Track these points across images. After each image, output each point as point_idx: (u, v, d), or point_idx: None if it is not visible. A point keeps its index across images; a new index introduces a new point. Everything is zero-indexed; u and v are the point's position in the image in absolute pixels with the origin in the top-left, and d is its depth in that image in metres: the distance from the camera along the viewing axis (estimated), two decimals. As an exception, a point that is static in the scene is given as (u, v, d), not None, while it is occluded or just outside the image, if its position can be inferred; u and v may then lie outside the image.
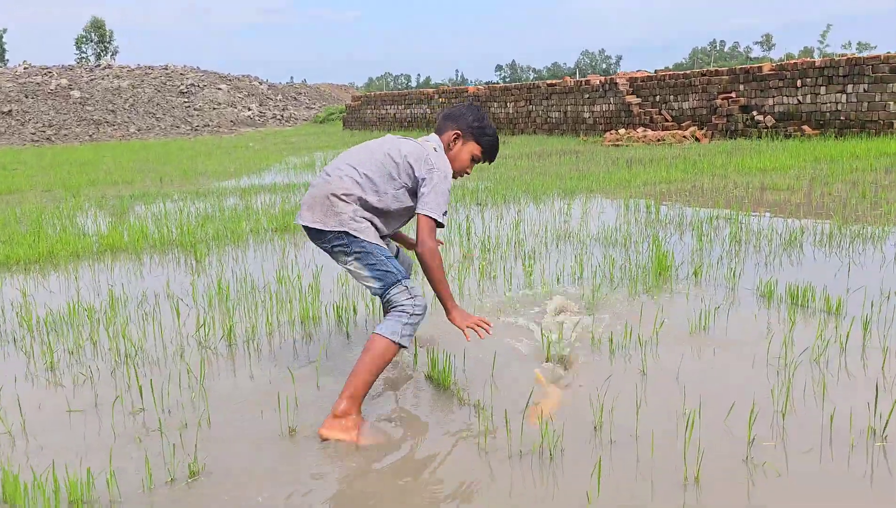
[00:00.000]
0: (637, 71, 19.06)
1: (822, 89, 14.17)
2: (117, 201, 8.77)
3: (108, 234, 6.22)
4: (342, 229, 2.54)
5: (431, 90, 24.50)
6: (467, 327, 2.56)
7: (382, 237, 2.73)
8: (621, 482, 2.06)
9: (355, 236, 2.55)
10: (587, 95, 18.55)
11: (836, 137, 13.60)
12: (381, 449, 2.32)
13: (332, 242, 2.59)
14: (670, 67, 18.64)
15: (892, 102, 13.13)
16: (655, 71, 17.68)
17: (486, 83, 23.56)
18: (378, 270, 2.53)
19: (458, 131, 2.77)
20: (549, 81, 19.98)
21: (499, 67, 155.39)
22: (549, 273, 4.43)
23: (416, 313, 2.48)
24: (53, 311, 3.93)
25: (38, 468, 2.20)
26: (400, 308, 2.47)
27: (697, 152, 12.26)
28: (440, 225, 2.58)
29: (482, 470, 2.16)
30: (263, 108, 42.39)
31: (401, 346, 2.44)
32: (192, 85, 41.92)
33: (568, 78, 19.91)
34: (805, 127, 14.32)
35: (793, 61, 15.07)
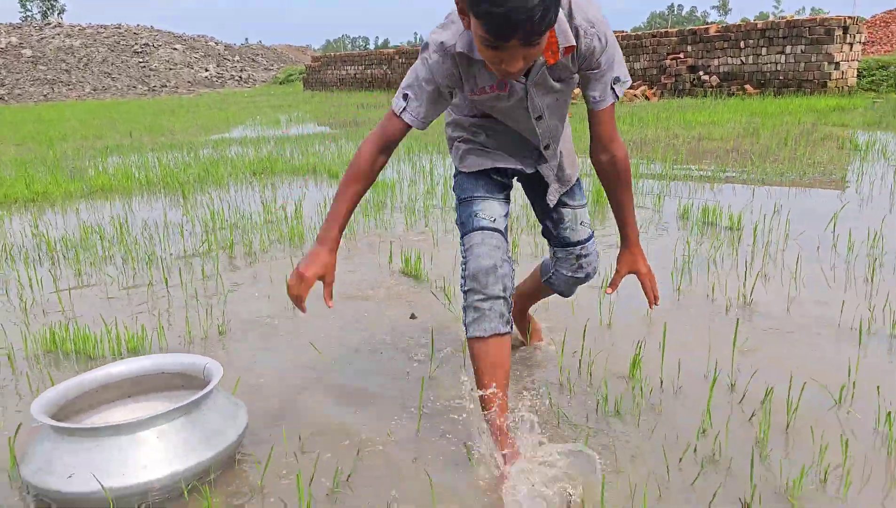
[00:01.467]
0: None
1: (764, 50, 15.00)
2: (93, 152, 9.15)
3: (94, 177, 6.68)
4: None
5: (392, 50, 24.78)
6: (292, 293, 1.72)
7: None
8: (555, 320, 2.74)
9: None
10: (544, 56, 19.12)
11: (775, 95, 14.47)
12: (369, 319, 2.96)
13: None
14: (628, 30, 19.26)
15: (825, 63, 14.02)
16: (609, 32, 18.28)
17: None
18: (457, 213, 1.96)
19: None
20: (507, 42, 20.46)
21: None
22: (503, 203, 5.09)
23: (463, 288, 1.81)
24: (66, 236, 4.45)
25: (99, 327, 2.79)
26: None
27: (646, 109, 12.99)
28: (403, 119, 1.72)
29: (451, 331, 2.81)
30: (221, 69, 41.99)
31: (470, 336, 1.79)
32: (147, 45, 41.26)
33: (525, 39, 20.43)
34: (747, 86, 15.17)
35: (737, 24, 15.86)
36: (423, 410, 2.10)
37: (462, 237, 1.87)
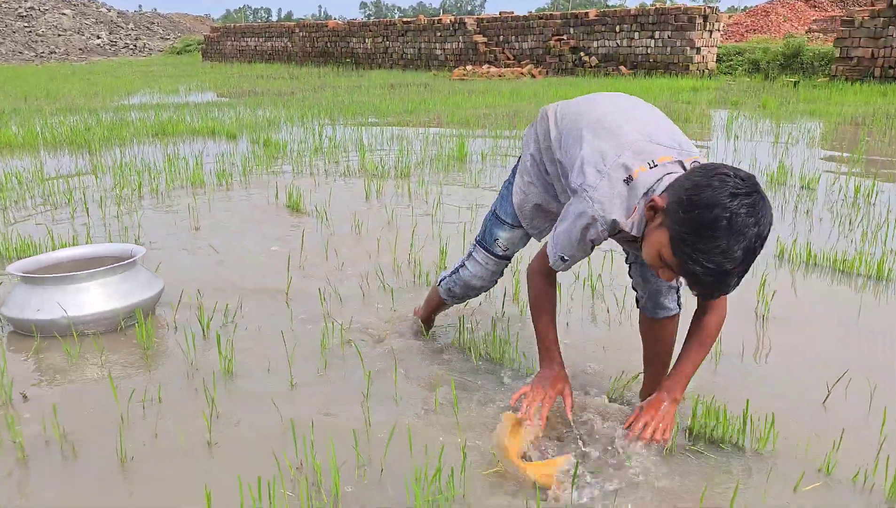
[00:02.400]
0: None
1: (636, 35, 16.42)
2: (-9, 114, 9.37)
3: (-1, 135, 7.09)
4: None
5: (293, 24, 25.06)
6: (529, 401, 1.78)
7: None
8: (414, 244, 3.64)
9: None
10: (439, 34, 20.04)
11: (645, 75, 15.93)
12: (257, 229, 3.77)
13: None
14: (533, 11, 20.49)
15: (688, 48, 15.56)
16: (500, 13, 19.38)
17: (349, 20, 24.37)
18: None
19: (663, 204, 1.50)
20: (404, 19, 21.25)
21: (363, 5, 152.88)
22: (377, 157, 5.98)
23: (450, 282, 2.27)
24: (-15, 180, 5.01)
25: (37, 238, 3.49)
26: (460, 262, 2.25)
27: (528, 86, 14.12)
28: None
29: (316, 230, 3.67)
30: (114, 36, 40.63)
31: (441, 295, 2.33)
32: (32, 8, 39.40)
33: (422, 17, 21.27)
34: (622, 67, 16.58)
35: (613, 9, 17.23)
36: (292, 275, 2.98)
37: (476, 241, 2.16)
